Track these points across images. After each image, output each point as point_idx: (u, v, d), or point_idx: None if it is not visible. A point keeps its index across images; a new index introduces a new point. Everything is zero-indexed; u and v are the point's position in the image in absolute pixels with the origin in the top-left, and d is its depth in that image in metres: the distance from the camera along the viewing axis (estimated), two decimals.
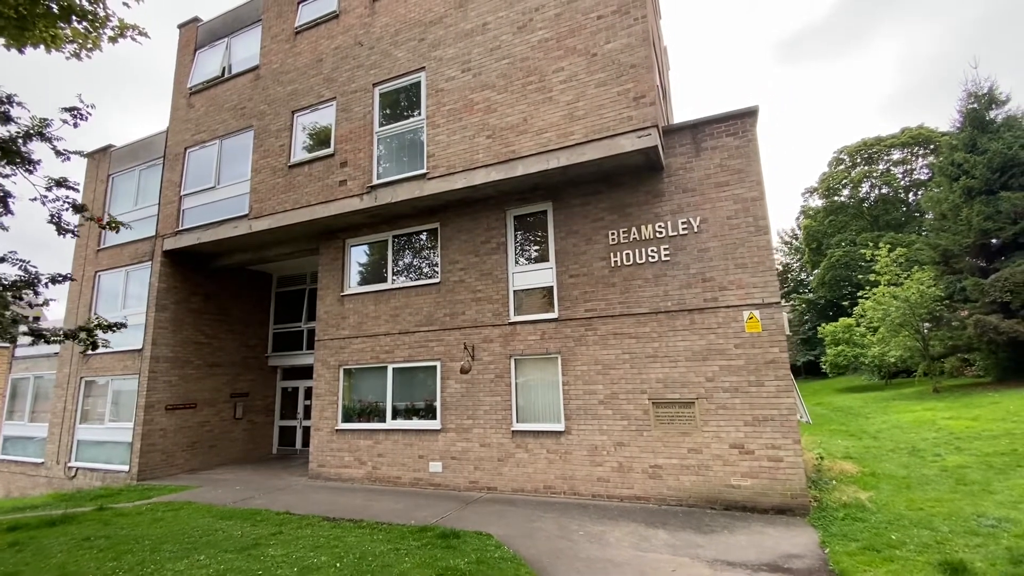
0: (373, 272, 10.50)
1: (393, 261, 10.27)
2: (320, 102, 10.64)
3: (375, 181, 9.59)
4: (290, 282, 15.09)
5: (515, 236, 9.23)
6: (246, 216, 11.00)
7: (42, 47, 8.28)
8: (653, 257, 7.95)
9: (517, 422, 8.56)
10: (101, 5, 7.25)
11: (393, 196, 9.29)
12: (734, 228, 7.54)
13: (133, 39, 8.18)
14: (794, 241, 47.26)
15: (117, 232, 8.32)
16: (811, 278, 41.13)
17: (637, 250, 8.07)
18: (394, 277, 10.17)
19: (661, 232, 7.97)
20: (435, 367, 9.35)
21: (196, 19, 13.21)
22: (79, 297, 13.46)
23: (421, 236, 10.13)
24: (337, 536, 5.77)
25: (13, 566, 5.10)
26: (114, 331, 8.56)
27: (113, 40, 8.08)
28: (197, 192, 12.01)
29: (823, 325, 28.58)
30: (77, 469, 12.07)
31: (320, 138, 10.55)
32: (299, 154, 10.68)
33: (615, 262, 8.19)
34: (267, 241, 11.53)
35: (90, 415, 12.41)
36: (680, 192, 7.98)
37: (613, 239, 8.27)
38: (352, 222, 10.36)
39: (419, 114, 9.50)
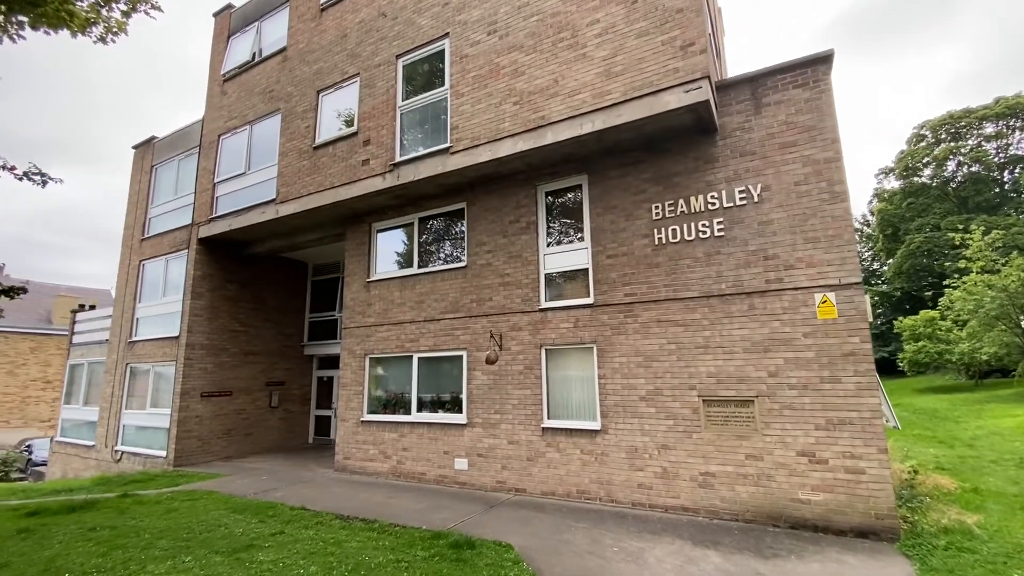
0: (398, 257, 9.96)
1: (419, 244, 9.67)
2: (344, 79, 10.17)
3: (397, 159, 9.00)
4: (325, 270, 14.91)
5: (546, 214, 8.38)
6: (273, 201, 10.74)
7: (67, 32, 8.18)
8: (704, 233, 6.88)
9: (548, 418, 7.75)
10: None
11: (415, 173, 8.66)
12: (803, 196, 6.36)
13: (147, 13, 7.99)
14: (865, 228, 43.39)
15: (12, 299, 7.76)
16: (886, 268, 37.56)
17: (685, 225, 7.03)
18: (419, 261, 9.57)
19: (714, 203, 6.89)
20: (461, 357, 8.69)
21: (229, 5, 13.13)
22: (125, 286, 13.81)
23: (447, 217, 9.46)
24: (339, 540, 5.20)
25: (6, 556, 4.85)
26: (11, 297, 8.00)
27: (126, 14, 7.91)
28: (229, 179, 11.92)
29: (900, 319, 25.79)
30: (122, 453, 12.37)
31: (348, 119, 10.09)
32: (324, 135, 10.27)
33: (659, 240, 7.18)
34: (296, 226, 11.25)
35: (134, 401, 12.69)
36: (737, 156, 6.85)
37: (657, 214, 7.26)
38: (377, 204, 9.84)
39: (443, 85, 8.80)
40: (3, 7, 6.55)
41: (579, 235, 8.02)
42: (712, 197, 6.91)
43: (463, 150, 8.21)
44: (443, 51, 8.86)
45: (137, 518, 6.40)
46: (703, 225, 6.91)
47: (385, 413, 9.48)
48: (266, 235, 11.93)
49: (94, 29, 8.35)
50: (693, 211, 7.01)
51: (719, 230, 6.79)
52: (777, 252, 6.40)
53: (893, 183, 38.55)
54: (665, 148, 7.34)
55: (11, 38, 7.98)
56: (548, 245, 8.26)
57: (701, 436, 6.52)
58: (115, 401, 12.97)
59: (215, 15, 13.35)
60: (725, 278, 6.67)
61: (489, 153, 7.91)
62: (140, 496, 7.79)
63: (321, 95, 10.52)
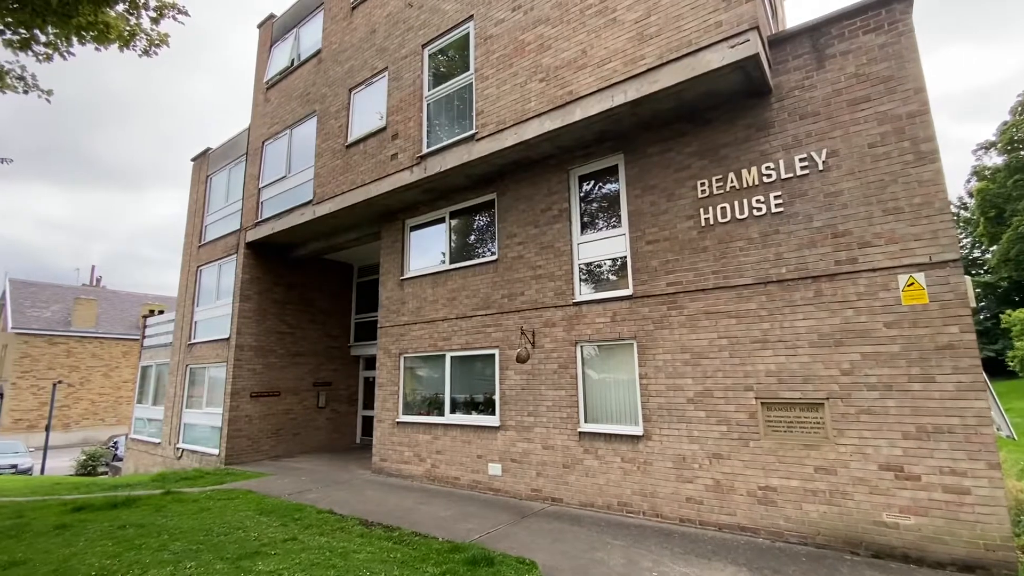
0: (430, 253, 9.65)
1: (450, 239, 9.31)
2: (374, 75, 10.01)
3: (424, 150, 8.68)
4: (370, 271, 14.95)
5: (580, 200, 7.73)
6: (311, 202, 10.79)
7: (116, 46, 8.48)
8: (759, 209, 5.98)
9: (585, 422, 7.09)
10: None
11: (442, 164, 8.29)
12: (880, 159, 5.33)
13: (174, 18, 8.13)
14: (963, 211, 38.74)
15: None
16: (989, 255, 33.26)
17: (736, 202, 6.15)
18: (451, 257, 9.20)
19: (770, 175, 5.97)
20: (493, 355, 8.20)
21: (271, 16, 13.48)
22: (186, 291, 14.52)
23: (478, 209, 9.02)
24: (348, 551, 4.85)
25: (30, 553, 4.89)
26: None
27: (155, 21, 8.09)
28: (272, 183, 12.16)
29: (1008, 312, 22.55)
30: (183, 451, 12.93)
31: (378, 115, 9.93)
32: (355, 133, 10.17)
33: (706, 220, 6.35)
34: (334, 227, 11.27)
35: (192, 401, 13.26)
36: (796, 120, 5.90)
37: (703, 191, 6.43)
38: (408, 200, 9.58)
39: (467, 70, 8.38)
40: (38, 20, 6.81)
41: (615, 221, 7.31)
42: (767, 169, 5.99)
43: (488, 136, 7.74)
44: (467, 34, 8.44)
45: (168, 517, 6.41)
46: (757, 201, 6.00)
47: (419, 414, 9.18)
48: (308, 237, 12.05)
49: (138, 43, 8.64)
50: (745, 186, 6.12)
51: (777, 206, 5.87)
52: (849, 227, 5.40)
53: (995, 159, 34.08)
54: (710, 118, 6.49)
55: (61, 55, 8.39)
56: (582, 233, 7.60)
57: (760, 444, 5.62)
58: (176, 401, 13.63)
59: (259, 26, 13.76)
60: (785, 261, 5.74)
61: (514, 136, 7.38)
62: (181, 494, 7.91)
63: (353, 93, 10.44)
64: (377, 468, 9.52)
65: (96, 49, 8.35)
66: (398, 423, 9.35)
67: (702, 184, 6.44)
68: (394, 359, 9.69)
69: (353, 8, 10.78)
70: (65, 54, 8.34)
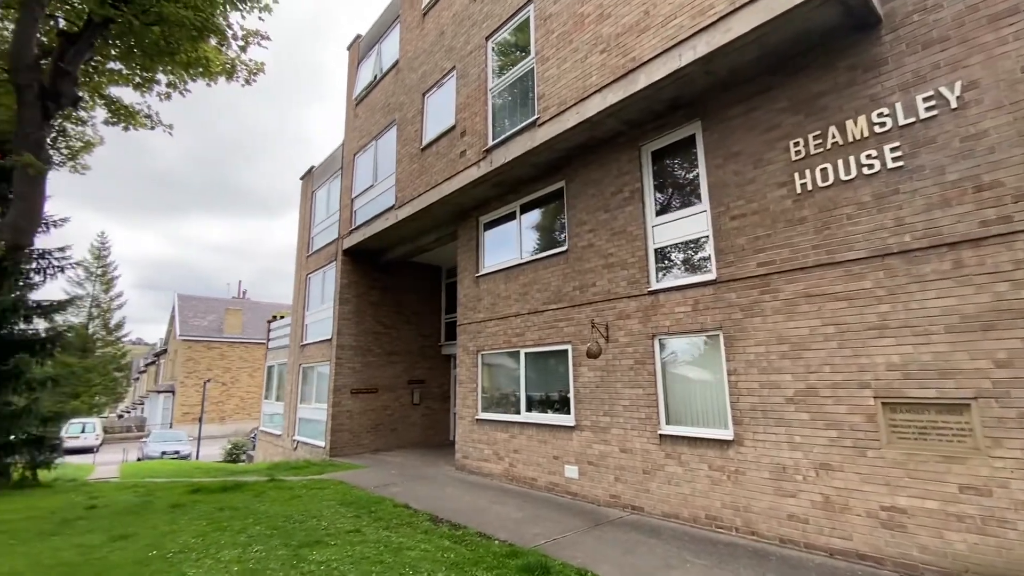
0: (503, 248, 9.47)
1: (520, 232, 9.05)
2: (443, 76, 10.14)
3: (490, 143, 8.54)
4: (457, 272, 15.26)
5: (653, 178, 7.02)
6: (393, 207, 11.22)
7: (222, 79, 9.52)
8: (870, 167, 4.89)
9: (666, 424, 6.38)
10: (222, 17, 7.91)
11: (506, 155, 8.07)
12: None
13: (258, 44, 8.89)
14: None
15: None
16: None
17: (840, 161, 5.11)
18: (522, 250, 8.94)
19: (884, 123, 4.86)
20: (566, 351, 7.77)
21: (358, 36, 14.36)
22: (298, 297, 16.00)
23: (547, 199, 8.66)
24: (404, 547, 4.77)
25: (140, 529, 5.51)
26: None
27: (243, 49, 8.90)
28: (361, 193, 12.91)
29: None
30: (298, 443, 14.20)
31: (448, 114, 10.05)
32: (429, 135, 10.37)
33: (802, 186, 5.36)
34: (416, 229, 11.61)
35: (304, 397, 14.51)
36: (917, 50, 4.73)
37: (797, 152, 5.44)
38: (479, 197, 9.52)
39: (528, 55, 8.08)
40: (152, 62, 7.80)
41: (694, 196, 6.51)
42: (880, 116, 4.88)
43: (550, 119, 7.36)
44: (528, 18, 8.15)
45: (263, 502, 6.93)
46: (868, 157, 4.91)
47: (497, 412, 9.03)
48: (394, 241, 12.57)
49: (239, 74, 9.61)
50: (851, 140, 5.05)
51: (894, 160, 4.75)
52: (998, 178, 4.17)
53: None
54: (802, 65, 5.48)
55: (180, 93, 9.58)
56: (657, 214, 6.89)
57: (882, 455, 4.56)
58: (292, 397, 15.03)
59: (348, 48, 14.75)
60: (909, 227, 4.61)
61: (576, 116, 6.92)
62: (282, 482, 8.57)
63: (426, 97, 10.68)
64: (460, 465, 9.55)
65: (208, 84, 9.44)
66: (477, 420, 9.29)
67: (796, 144, 5.46)
68: (472, 356, 9.66)
69: (424, 14, 11.04)
70: (183, 92, 9.53)
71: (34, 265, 8.98)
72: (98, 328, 39.62)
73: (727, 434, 5.72)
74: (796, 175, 5.42)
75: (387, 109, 12.11)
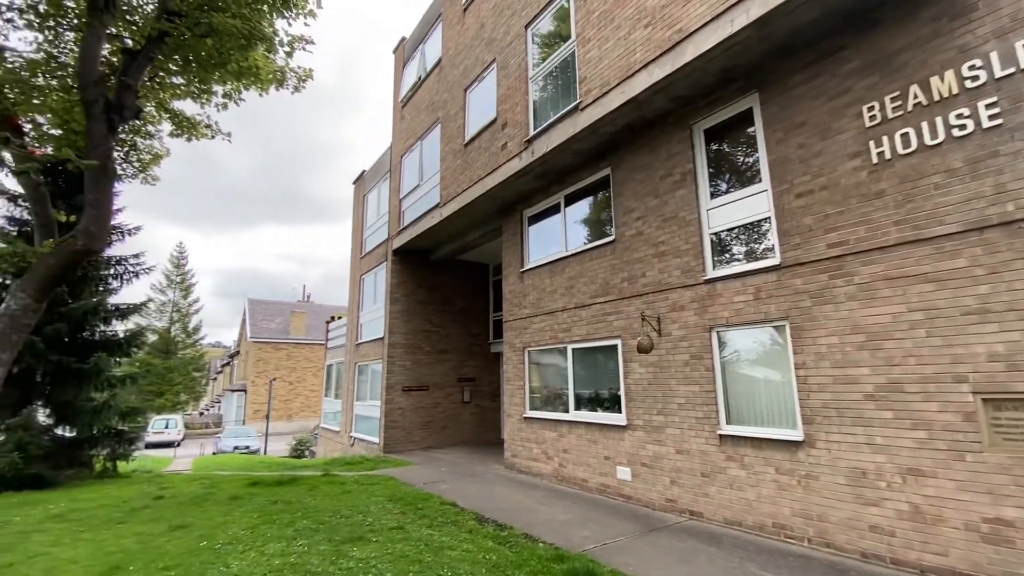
0: (548, 241, 9.20)
1: (565, 224, 8.75)
2: (484, 69, 10.01)
3: (531, 133, 8.30)
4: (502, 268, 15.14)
5: (706, 158, 6.52)
6: (439, 205, 11.23)
7: (273, 88, 9.86)
8: (962, 127, 4.24)
9: (726, 423, 5.89)
10: (268, 24, 8.14)
11: (548, 144, 7.80)
12: None
13: (303, 48, 9.11)
14: None
15: None
16: None
17: (924, 124, 4.47)
18: (567, 242, 8.63)
19: (977, 77, 4.19)
20: (615, 346, 7.40)
21: (402, 39, 14.55)
22: (353, 298, 16.44)
23: (592, 188, 8.31)
24: (444, 547, 4.62)
25: (197, 519, 5.72)
26: None
27: (289, 55, 9.13)
28: (408, 193, 13.05)
29: None
30: (355, 439, 14.57)
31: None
32: (471, 130, 10.28)
33: (879, 155, 4.75)
34: (461, 226, 11.57)
35: (360, 394, 14.88)
36: None
37: (872, 118, 4.83)
38: (522, 189, 9.30)
39: (569, 39, 7.78)
40: (206, 72, 8.15)
41: (753, 175, 5.97)
42: (972, 68, 4.21)
43: (592, 102, 7.02)
44: (567, 1, 7.84)
45: (315, 496, 7.05)
46: (959, 116, 4.26)
47: (545, 410, 8.77)
48: (441, 239, 12.61)
49: (289, 81, 9.92)
50: (937, 98, 4.40)
51: (991, 117, 4.08)
52: None
53: None
54: (874, 20, 4.86)
55: (235, 102, 10.00)
56: (712, 197, 6.39)
57: (983, 459, 3.91)
58: (349, 394, 15.46)
59: (393, 52, 14.98)
60: (1012, 194, 3.94)
61: (621, 96, 6.54)
62: (335, 477, 8.74)
63: (467, 92, 10.60)
64: (509, 464, 9.37)
65: (260, 94, 9.81)
66: (525, 418, 9.07)
67: (870, 109, 4.84)
68: (519, 353, 9.46)
69: (464, 9, 10.97)
70: (238, 101, 9.96)
71: (111, 271, 9.75)
72: (178, 331, 42.93)
73: (796, 435, 5.18)
74: (871, 144, 4.81)
75: (431, 108, 12.16)
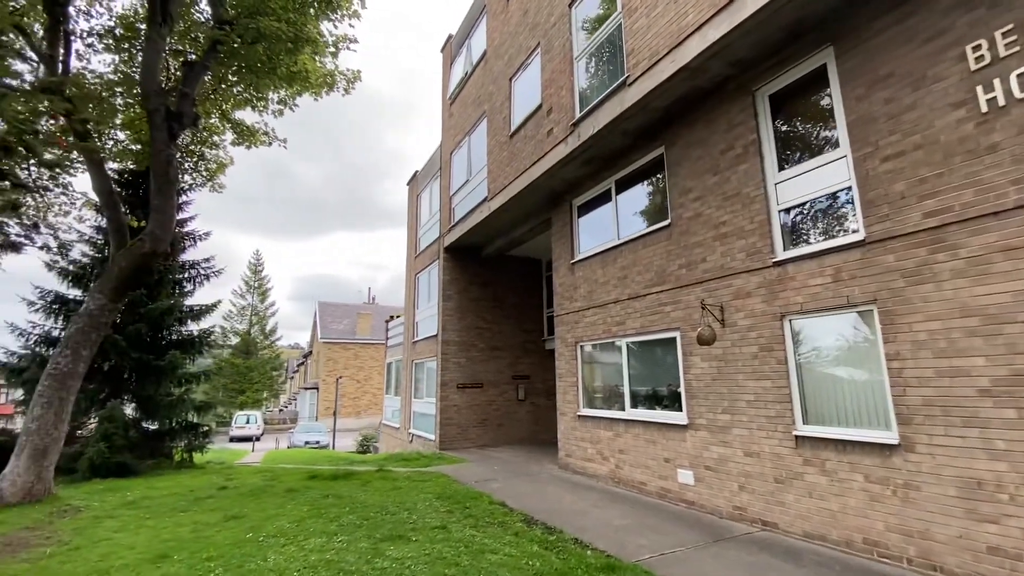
0: (598, 230, 8.73)
1: (616, 211, 8.24)
2: (528, 55, 9.70)
3: (576, 116, 7.89)
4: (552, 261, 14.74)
5: (772, 126, 5.83)
6: (487, 199, 11.06)
7: (324, 92, 10.10)
8: None
9: (803, 423, 5.21)
10: (313, 26, 8.27)
11: (594, 125, 7.36)
12: None
13: (348, 48, 9.20)
14: None
15: None
16: None
17: None
18: (619, 230, 8.13)
19: None
20: (674, 339, 6.83)
21: (449, 37, 14.54)
22: (409, 297, 16.68)
23: (645, 170, 7.76)
24: (486, 549, 4.35)
25: (253, 511, 5.83)
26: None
27: (334, 55, 9.25)
28: (458, 190, 12.99)
29: None
30: (413, 435, 14.74)
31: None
32: (516, 120, 10.00)
33: (989, 103, 3.95)
34: (509, 221, 11.32)
35: (417, 391, 15.03)
36: None
37: (978, 59, 4.03)
38: (570, 177, 8.89)
39: (615, 11, 7.29)
40: (258, 78, 8.41)
41: (828, 141, 5.25)
42: None
43: (641, 75, 6.51)
44: None
45: (366, 492, 7.05)
46: None
47: (600, 408, 8.32)
48: (491, 234, 12.43)
49: (339, 84, 10.12)
50: None
51: None
52: None
53: None
54: None
55: (290, 108, 10.34)
56: (780, 169, 5.70)
57: None
58: (407, 392, 15.67)
59: (441, 50, 15.01)
60: None
61: (672, 64, 6.00)
62: (389, 473, 8.76)
63: (512, 81, 10.33)
64: (563, 464, 8.99)
65: (314, 99, 10.07)
66: (579, 417, 8.66)
67: (975, 49, 4.04)
68: (571, 348, 9.06)
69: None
70: (292, 107, 10.28)
71: (184, 275, 10.42)
72: (257, 333, 46.01)
73: (890, 437, 4.44)
74: (979, 89, 4.02)
75: (477, 102, 12.01)
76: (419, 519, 5.45)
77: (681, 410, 6.60)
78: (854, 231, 4.89)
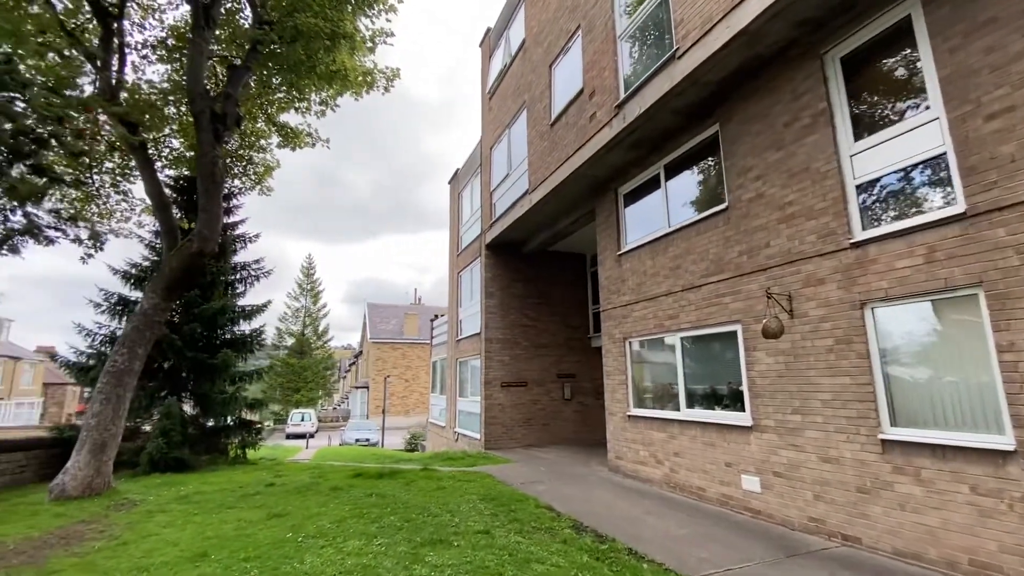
0: (646, 218, 8.22)
1: (666, 197, 7.71)
2: (568, 40, 9.30)
3: (621, 97, 7.43)
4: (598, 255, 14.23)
5: (846, 92, 5.19)
6: (528, 192, 10.74)
7: (365, 92, 10.11)
8: None
9: (891, 426, 4.57)
10: (350, 23, 8.21)
11: (640, 105, 6.88)
12: None
13: (384, 42, 9.11)
14: None
15: None
16: None
17: None
18: (670, 217, 7.60)
19: None
20: (734, 333, 6.26)
21: (487, 30, 14.32)
22: (452, 295, 16.61)
23: (698, 151, 7.20)
24: (533, 559, 4.02)
25: (295, 508, 5.77)
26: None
27: (371, 50, 9.19)
28: (498, 185, 12.74)
29: None
30: (459, 434, 14.63)
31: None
32: (557, 108, 9.62)
33: None
34: (552, 214, 10.95)
35: (462, 390, 14.91)
36: None
37: None
38: (615, 164, 8.42)
39: None
40: (298, 78, 8.45)
41: (915, 103, 4.58)
42: None
43: (692, 46, 5.99)
44: None
45: (409, 491, 6.90)
46: None
47: (652, 408, 7.82)
48: (533, 228, 12.10)
49: (379, 83, 10.10)
50: None
51: None
52: None
53: None
54: None
55: (332, 108, 10.41)
56: (856, 140, 5.05)
57: None
58: (452, 390, 15.59)
59: (480, 44, 14.82)
60: None
61: (727, 30, 5.46)
62: (433, 472, 8.60)
63: (552, 68, 9.96)
64: (613, 466, 8.54)
65: (355, 99, 10.09)
66: (629, 417, 8.18)
67: None
68: (619, 344, 8.59)
69: None
70: (333, 108, 10.35)
71: (236, 276, 10.73)
72: (310, 334, 47.75)
73: (1003, 442, 3.78)
74: None
75: (517, 93, 11.72)
76: (462, 522, 5.20)
77: (744, 410, 6.03)
78: (951, 203, 4.23)
